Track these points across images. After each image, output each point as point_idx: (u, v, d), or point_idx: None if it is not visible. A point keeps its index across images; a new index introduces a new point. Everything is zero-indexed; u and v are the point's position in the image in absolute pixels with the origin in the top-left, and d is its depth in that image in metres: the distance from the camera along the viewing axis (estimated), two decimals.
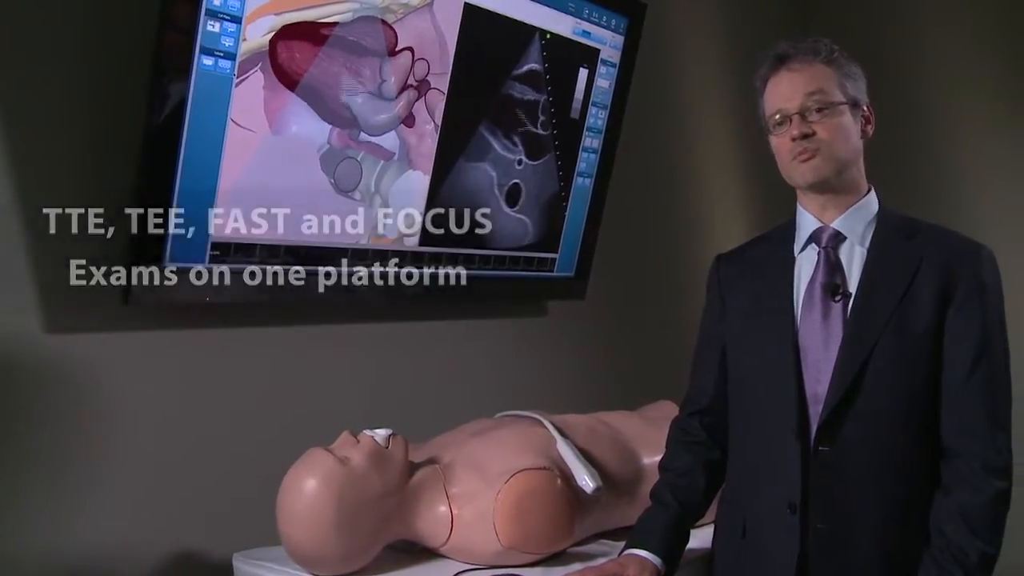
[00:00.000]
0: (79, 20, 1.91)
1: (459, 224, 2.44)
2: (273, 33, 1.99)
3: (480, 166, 2.48)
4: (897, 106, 3.14)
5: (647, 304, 3.15)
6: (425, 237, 2.40)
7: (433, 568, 1.82)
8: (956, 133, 3.46)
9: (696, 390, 1.88)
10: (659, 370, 3.09)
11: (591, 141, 2.76)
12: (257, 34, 1.97)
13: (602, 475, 1.90)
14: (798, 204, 1.78)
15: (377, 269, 2.31)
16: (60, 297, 1.88)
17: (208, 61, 1.90)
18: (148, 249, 1.90)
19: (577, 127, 2.71)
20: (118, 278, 1.89)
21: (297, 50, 2.04)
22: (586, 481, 1.84)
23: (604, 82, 2.75)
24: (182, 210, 1.92)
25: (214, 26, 1.90)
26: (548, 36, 2.55)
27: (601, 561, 1.78)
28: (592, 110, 2.74)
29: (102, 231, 1.92)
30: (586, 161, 2.77)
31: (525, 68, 2.52)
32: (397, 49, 2.22)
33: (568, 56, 2.62)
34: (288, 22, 2.01)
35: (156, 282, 1.92)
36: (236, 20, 1.93)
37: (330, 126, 2.13)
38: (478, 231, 2.46)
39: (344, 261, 2.24)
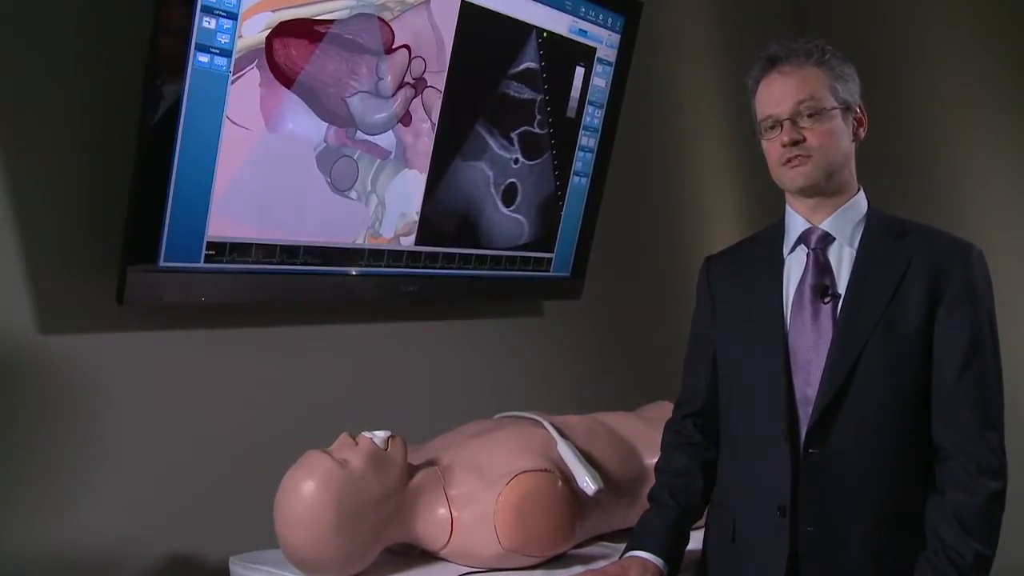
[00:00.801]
0: (74, 16, 1.89)
1: (456, 224, 2.44)
2: (269, 30, 1.97)
3: (476, 165, 2.47)
4: (890, 105, 3.13)
5: (642, 304, 3.14)
6: (421, 236, 2.38)
7: (433, 571, 1.81)
8: (949, 132, 3.46)
9: (688, 392, 1.88)
10: (654, 370, 3.09)
11: (587, 140, 2.75)
12: (253, 31, 1.95)
13: (602, 476, 1.88)
14: (787, 205, 1.78)
15: (373, 269, 2.29)
16: (54, 297, 1.86)
17: (204, 58, 1.88)
18: (143, 248, 1.88)
19: (573, 126, 2.70)
20: (112, 277, 1.86)
21: (293, 47, 2.02)
22: (587, 483, 1.82)
23: (600, 81, 2.73)
24: (177, 209, 1.90)
25: (210, 22, 1.87)
26: (545, 34, 2.53)
27: (602, 563, 1.76)
28: (588, 109, 2.72)
29: (96, 229, 1.90)
30: (582, 160, 2.75)
31: (522, 67, 2.51)
32: (394, 47, 2.20)
33: (565, 55, 2.61)
34: (284, 19, 1.99)
35: (151, 282, 1.90)
36: (232, 16, 1.90)
37: (326, 124, 2.11)
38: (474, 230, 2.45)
39: (341, 261, 2.22)
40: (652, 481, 1.85)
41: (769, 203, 3.75)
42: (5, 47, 1.81)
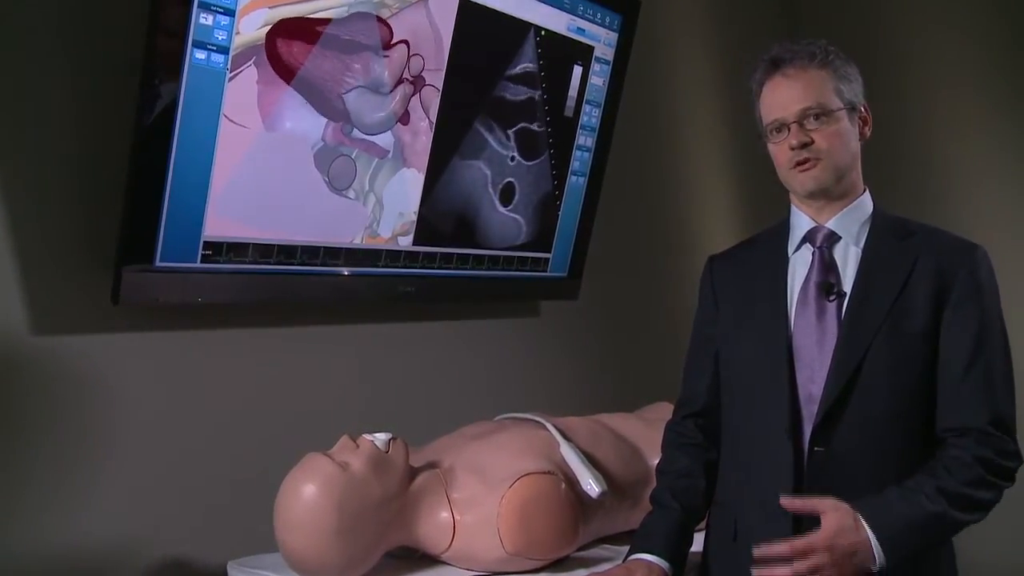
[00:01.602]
0: (68, 12, 1.86)
1: (454, 223, 2.42)
2: (267, 27, 1.94)
3: (474, 164, 2.44)
4: (886, 105, 3.13)
5: (639, 304, 3.13)
6: (419, 236, 2.36)
7: (435, 575, 1.78)
8: (943, 132, 3.46)
9: (690, 392, 1.86)
10: (652, 371, 3.07)
11: (585, 139, 2.73)
12: (251, 28, 1.92)
13: (605, 478, 1.87)
14: (792, 205, 1.78)
15: (371, 269, 2.27)
16: (47, 297, 1.83)
17: (201, 55, 1.85)
18: (138, 247, 1.85)
19: (571, 125, 2.68)
20: (107, 277, 1.83)
21: (292, 44, 1.99)
22: (591, 485, 1.80)
23: (598, 80, 2.71)
24: (173, 208, 1.87)
25: (207, 19, 1.85)
26: (543, 33, 2.51)
27: (606, 566, 1.74)
28: (586, 108, 2.71)
29: (91, 229, 1.87)
30: (580, 160, 2.74)
31: (520, 65, 2.49)
32: (392, 42, 2.17)
33: (563, 53, 2.59)
34: (282, 16, 1.96)
35: (147, 282, 1.87)
36: (229, 13, 1.88)
37: (325, 120, 2.08)
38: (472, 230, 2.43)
39: (338, 261, 2.19)
40: (655, 483, 1.84)
41: (767, 202, 3.74)
42: None
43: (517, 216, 2.60)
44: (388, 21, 2.15)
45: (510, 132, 2.51)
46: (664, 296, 3.20)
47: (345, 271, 2.22)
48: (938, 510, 1.57)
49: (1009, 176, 3.35)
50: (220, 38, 1.87)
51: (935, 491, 1.58)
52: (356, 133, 2.15)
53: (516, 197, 2.58)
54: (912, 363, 1.64)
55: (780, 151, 1.70)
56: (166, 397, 1.99)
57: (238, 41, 1.90)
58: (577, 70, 2.64)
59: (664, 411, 2.17)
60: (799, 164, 1.68)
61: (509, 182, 2.55)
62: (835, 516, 1.55)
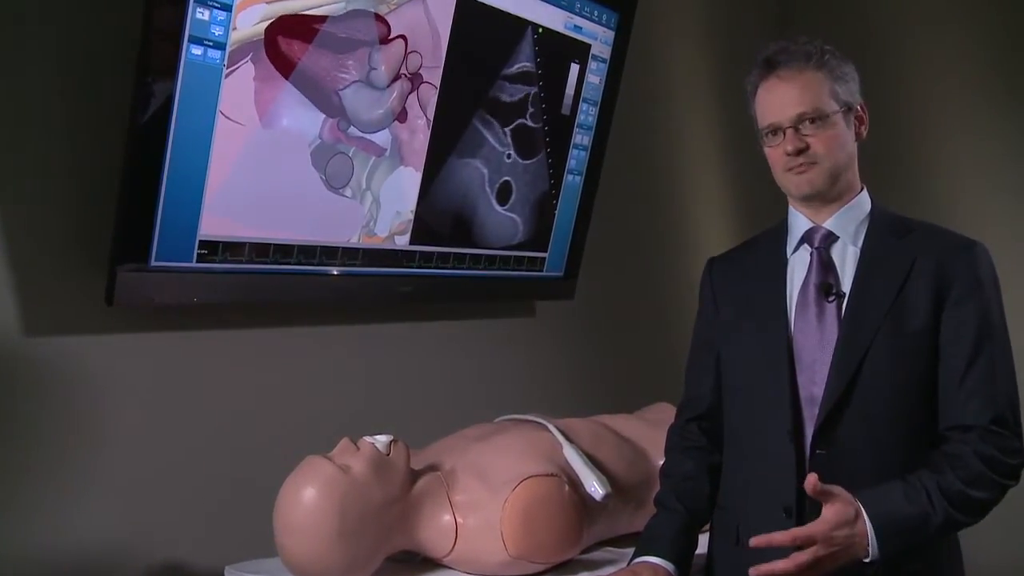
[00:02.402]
0: (62, 6, 1.82)
1: (451, 223, 2.39)
2: (265, 23, 1.91)
3: (471, 163, 2.42)
4: (876, 103, 3.12)
5: (635, 304, 3.11)
6: (416, 236, 2.33)
7: None
8: (936, 130, 3.46)
9: (692, 395, 1.85)
10: (647, 371, 3.06)
11: (581, 138, 2.71)
12: (247, 23, 1.89)
13: (609, 480, 1.84)
14: (790, 206, 1.77)
15: (368, 269, 2.24)
16: (40, 297, 1.79)
17: (197, 51, 1.82)
18: (133, 247, 1.81)
19: (568, 123, 2.66)
20: (101, 277, 1.79)
21: (289, 41, 1.96)
22: (595, 488, 1.78)
23: (595, 78, 2.70)
24: (169, 206, 1.83)
25: (203, 14, 1.81)
26: (540, 30, 2.49)
27: (611, 570, 1.72)
28: (583, 106, 2.69)
29: (84, 228, 1.83)
30: (576, 158, 2.72)
31: (517, 63, 2.46)
32: (390, 38, 2.15)
33: (560, 51, 2.57)
34: (280, 12, 1.93)
35: (141, 282, 1.83)
36: (226, 8, 1.84)
37: (323, 117, 2.05)
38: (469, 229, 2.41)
39: (335, 261, 2.16)
40: (658, 485, 1.82)
41: (763, 201, 3.73)
42: None
43: (514, 215, 2.58)
44: (386, 17, 2.12)
45: (507, 130, 2.48)
46: (660, 296, 3.18)
47: (342, 271, 2.19)
48: (938, 508, 1.56)
49: (1002, 174, 3.35)
50: (217, 34, 1.84)
51: (936, 489, 1.57)
52: (353, 131, 2.13)
53: (513, 196, 2.56)
54: (913, 362, 1.63)
55: (775, 154, 1.69)
56: (161, 399, 1.96)
57: (235, 37, 1.87)
58: (574, 68, 2.62)
59: (664, 412, 2.16)
60: (794, 168, 1.68)
61: (506, 181, 2.53)
62: (837, 507, 1.53)
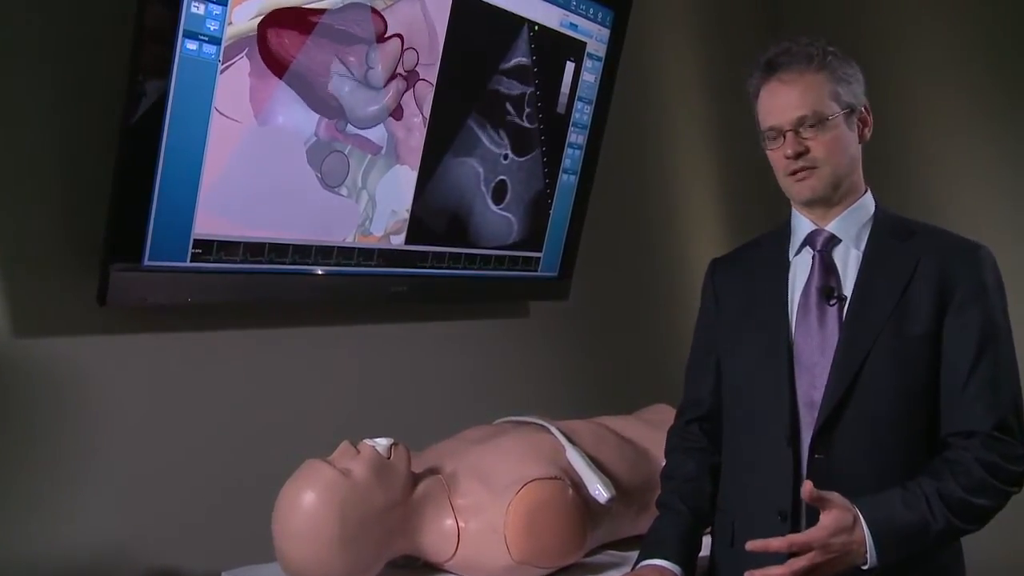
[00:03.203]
0: (54, 1, 1.77)
1: (446, 222, 2.37)
2: (260, 17, 1.87)
3: (467, 161, 2.39)
4: (869, 102, 3.12)
5: (629, 304, 3.09)
6: (411, 235, 2.30)
7: None
8: (927, 129, 3.45)
9: (693, 396, 1.83)
10: (642, 372, 3.04)
11: (576, 137, 2.69)
12: (243, 18, 1.85)
13: (612, 483, 1.82)
14: (792, 207, 1.75)
15: (364, 268, 2.21)
16: (31, 297, 1.75)
17: (192, 45, 1.78)
18: (126, 246, 1.77)
19: (563, 122, 2.63)
20: (93, 277, 1.75)
21: (285, 36, 1.93)
22: (599, 491, 1.76)
23: (590, 76, 2.67)
24: (163, 205, 1.80)
25: (198, 8, 1.78)
26: (536, 28, 2.46)
27: (615, 574, 1.70)
28: (578, 105, 2.66)
29: (76, 226, 1.79)
30: (571, 157, 2.69)
31: (513, 61, 2.44)
32: (386, 36, 2.12)
33: (555, 49, 2.54)
34: (276, 6, 1.89)
35: (135, 282, 1.79)
36: (222, 3, 1.81)
37: (318, 116, 2.02)
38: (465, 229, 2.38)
39: (330, 260, 2.13)
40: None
41: (758, 201, 3.73)
42: None
43: (509, 215, 2.55)
44: (382, 13, 2.09)
45: (502, 129, 2.46)
46: (654, 296, 3.16)
47: (337, 271, 2.15)
48: (938, 516, 1.54)
49: (996, 176, 3.34)
50: (212, 28, 1.81)
51: (937, 496, 1.54)
52: (350, 129, 2.09)
53: (508, 195, 2.53)
54: (914, 367, 1.61)
55: (777, 158, 1.68)
56: (155, 400, 1.92)
57: (230, 32, 1.83)
58: (570, 66, 2.60)
59: (663, 413, 2.14)
60: (795, 173, 1.66)
61: (501, 180, 2.50)
62: (835, 514, 1.51)
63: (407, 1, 2.13)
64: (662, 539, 1.71)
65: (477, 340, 2.65)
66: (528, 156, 2.55)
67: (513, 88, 2.46)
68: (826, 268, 1.68)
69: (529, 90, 2.50)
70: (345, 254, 2.16)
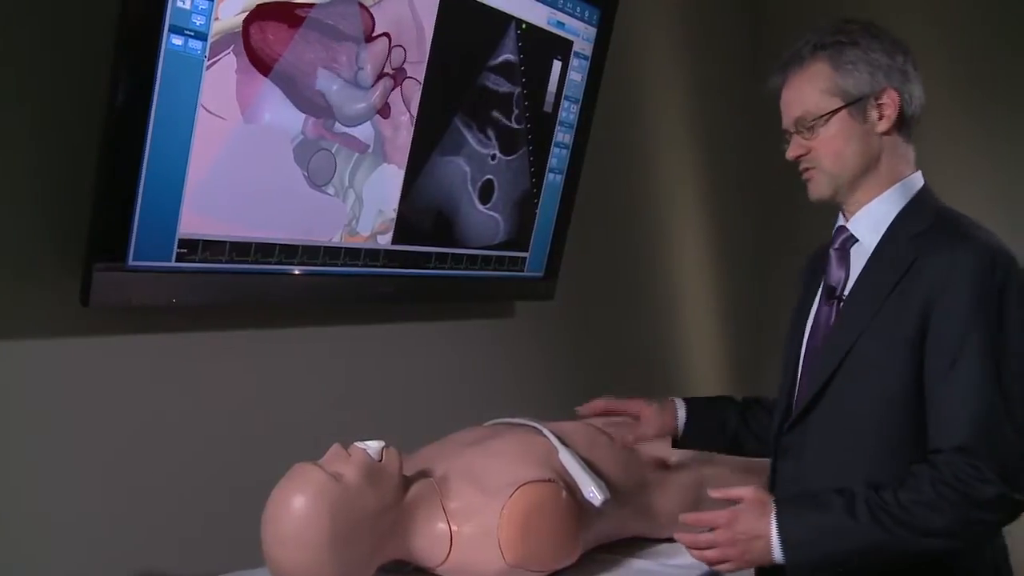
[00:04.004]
0: None
1: (433, 222, 2.34)
2: (247, 13, 1.84)
3: (454, 160, 2.37)
4: None
5: (615, 304, 3.08)
6: (398, 235, 2.27)
7: None
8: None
9: None
10: (627, 372, 3.03)
11: (563, 136, 2.67)
12: (230, 13, 1.81)
13: (606, 485, 1.80)
14: None
15: (350, 269, 2.18)
16: (10, 298, 1.70)
17: (177, 41, 1.74)
18: (110, 246, 1.73)
19: (550, 121, 2.61)
20: (76, 278, 1.71)
21: (271, 32, 1.89)
22: (594, 493, 1.73)
23: (576, 75, 2.65)
24: (148, 203, 1.75)
25: (184, 2, 1.74)
26: (524, 26, 2.44)
27: None
28: (564, 104, 2.64)
29: (58, 226, 1.74)
30: (557, 157, 2.67)
31: (501, 58, 2.41)
32: (374, 35, 2.09)
33: (543, 47, 2.52)
34: (263, 1, 1.86)
35: (119, 282, 1.75)
36: None
37: (304, 114, 1.99)
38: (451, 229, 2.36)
39: (317, 260, 2.10)
40: (655, 489, 1.84)
41: (743, 201, 3.72)
42: None
43: (495, 214, 2.53)
44: (370, 9, 2.06)
45: (490, 128, 2.43)
46: (639, 296, 3.15)
47: (324, 271, 2.12)
48: (860, 518, 1.45)
49: (970, 170, 3.36)
50: (198, 23, 1.77)
51: (865, 500, 1.46)
52: (337, 127, 2.06)
53: (495, 195, 2.51)
54: (895, 370, 1.52)
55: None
56: (140, 403, 1.88)
57: (217, 27, 1.80)
58: (556, 65, 2.58)
59: None
60: (801, 173, 1.66)
61: (488, 179, 2.48)
62: (749, 499, 1.52)
63: None
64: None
65: (463, 341, 2.63)
66: (515, 155, 2.53)
67: (501, 85, 2.43)
68: (837, 266, 1.65)
69: (516, 89, 2.48)
70: (332, 254, 2.13)
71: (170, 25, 1.72)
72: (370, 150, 2.15)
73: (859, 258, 1.63)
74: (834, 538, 1.47)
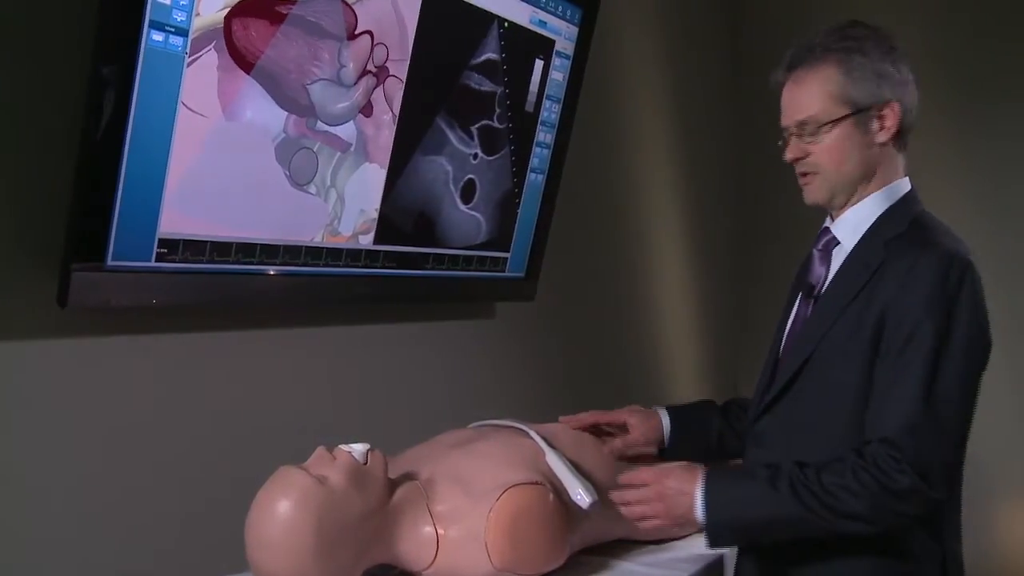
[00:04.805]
0: None
1: (415, 222, 2.32)
2: (228, 8, 1.81)
3: (436, 160, 2.35)
4: None
5: (595, 305, 3.07)
6: (380, 235, 2.25)
7: None
8: None
9: None
10: (608, 373, 3.02)
11: (544, 136, 2.66)
12: (211, 9, 1.78)
13: (593, 487, 1.78)
14: None
15: (332, 269, 2.15)
16: None
17: (158, 37, 1.71)
18: (88, 245, 1.70)
19: (532, 121, 2.60)
20: (53, 278, 1.67)
21: (253, 29, 1.86)
22: (582, 496, 1.72)
23: (558, 75, 2.64)
24: (127, 202, 1.72)
25: None
26: (506, 24, 2.43)
27: None
28: (546, 103, 2.63)
29: (35, 225, 1.71)
30: (539, 156, 2.66)
31: (483, 57, 2.40)
32: (357, 32, 2.06)
33: (525, 46, 2.51)
34: None
35: (97, 282, 1.71)
36: None
37: (286, 112, 1.96)
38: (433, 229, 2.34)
39: (298, 260, 2.07)
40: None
41: (723, 201, 3.72)
42: None
43: (477, 214, 2.51)
44: (353, 7, 2.04)
45: (472, 127, 2.42)
46: (620, 297, 3.14)
47: (306, 271, 2.09)
48: (782, 491, 1.50)
49: (950, 172, 3.38)
50: (179, 19, 1.74)
51: (788, 476, 1.51)
52: (319, 126, 2.04)
53: (477, 195, 2.49)
54: (855, 364, 1.56)
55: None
56: (119, 406, 1.84)
57: (198, 23, 1.77)
58: (538, 64, 2.57)
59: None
60: (799, 176, 1.67)
61: (470, 179, 2.46)
62: (683, 464, 1.62)
63: None
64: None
65: (444, 341, 2.61)
66: (497, 155, 2.52)
67: (483, 85, 2.42)
68: (818, 265, 1.69)
69: (499, 88, 2.46)
70: (313, 254, 2.11)
71: (150, 20, 1.69)
72: (352, 149, 2.13)
73: (839, 259, 1.67)
74: (754, 505, 1.54)
